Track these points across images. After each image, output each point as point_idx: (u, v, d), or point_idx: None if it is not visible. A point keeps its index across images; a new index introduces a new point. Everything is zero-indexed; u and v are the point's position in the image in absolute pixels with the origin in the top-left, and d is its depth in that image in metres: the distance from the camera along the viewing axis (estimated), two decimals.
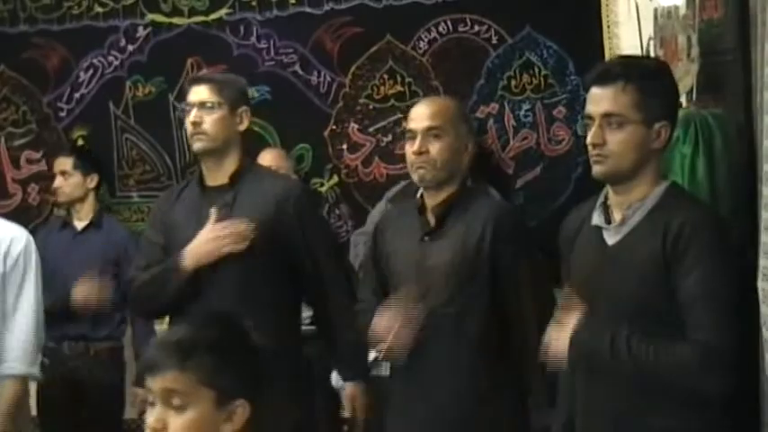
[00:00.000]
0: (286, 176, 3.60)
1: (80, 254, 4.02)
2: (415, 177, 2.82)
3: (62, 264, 3.80)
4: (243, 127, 3.04)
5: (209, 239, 2.89)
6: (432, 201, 2.81)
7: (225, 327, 1.71)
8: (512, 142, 4.09)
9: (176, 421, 1.59)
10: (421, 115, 2.82)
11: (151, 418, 1.61)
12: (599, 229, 2.26)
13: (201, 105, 2.98)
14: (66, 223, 4.19)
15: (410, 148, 2.79)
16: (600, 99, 2.23)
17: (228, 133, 3.00)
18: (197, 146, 3.01)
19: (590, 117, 2.26)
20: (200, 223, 2.93)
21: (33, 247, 3.27)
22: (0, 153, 4.56)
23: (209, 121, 2.97)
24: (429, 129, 2.77)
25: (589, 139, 2.25)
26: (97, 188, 4.23)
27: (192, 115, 2.98)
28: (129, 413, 4.18)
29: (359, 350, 3.04)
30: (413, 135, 2.79)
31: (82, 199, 4.17)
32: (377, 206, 3.91)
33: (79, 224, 4.17)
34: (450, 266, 2.73)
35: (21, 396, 3.17)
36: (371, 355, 3.14)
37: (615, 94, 2.20)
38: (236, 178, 3.00)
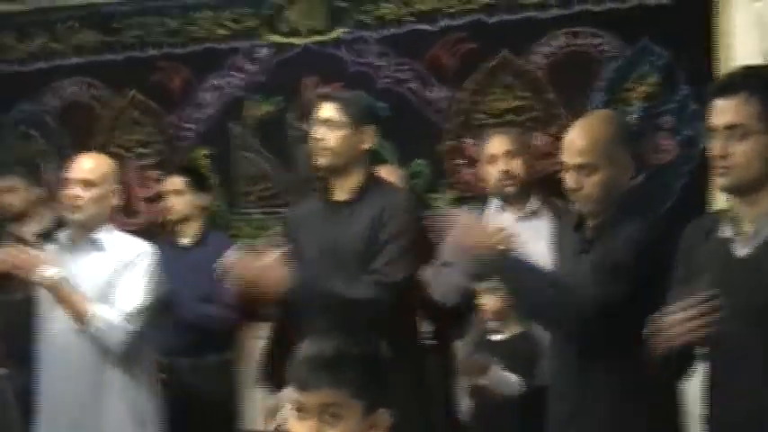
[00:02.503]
0: (401, 190, 3.61)
1: (187, 271, 4.07)
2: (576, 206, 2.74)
3: (173, 281, 3.89)
4: (367, 145, 3.07)
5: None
6: (591, 219, 2.71)
7: (364, 341, 1.77)
8: None
9: None
10: (572, 149, 2.66)
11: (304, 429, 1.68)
12: (727, 241, 2.22)
13: (326, 123, 3.03)
14: (174, 241, 4.29)
15: (568, 180, 2.67)
16: (723, 111, 2.19)
17: (352, 151, 3.04)
18: (320, 162, 3.06)
19: (713, 129, 2.22)
20: (321, 237, 2.98)
21: (152, 259, 3.40)
22: (129, 173, 4.72)
23: (333, 139, 3.01)
24: (581, 166, 2.63)
25: (713, 152, 2.21)
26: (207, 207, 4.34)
27: (317, 132, 3.04)
28: (244, 425, 4.28)
29: None
30: (565, 167, 2.67)
31: (192, 217, 4.28)
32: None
33: (185, 241, 4.28)
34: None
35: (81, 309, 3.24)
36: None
37: (738, 106, 2.16)
38: (358, 194, 3.03)
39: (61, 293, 3.23)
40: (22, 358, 3.50)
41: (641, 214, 2.66)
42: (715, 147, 2.20)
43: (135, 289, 3.31)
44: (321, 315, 2.86)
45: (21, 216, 4.34)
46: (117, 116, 4.77)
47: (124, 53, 4.73)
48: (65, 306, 3.23)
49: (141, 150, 4.75)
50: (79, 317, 3.23)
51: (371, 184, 3.08)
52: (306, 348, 1.74)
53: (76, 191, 3.31)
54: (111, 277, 3.31)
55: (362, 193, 3.03)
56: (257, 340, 4.33)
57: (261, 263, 2.96)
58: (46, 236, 3.74)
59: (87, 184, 3.32)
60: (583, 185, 2.63)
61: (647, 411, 2.55)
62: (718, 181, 2.21)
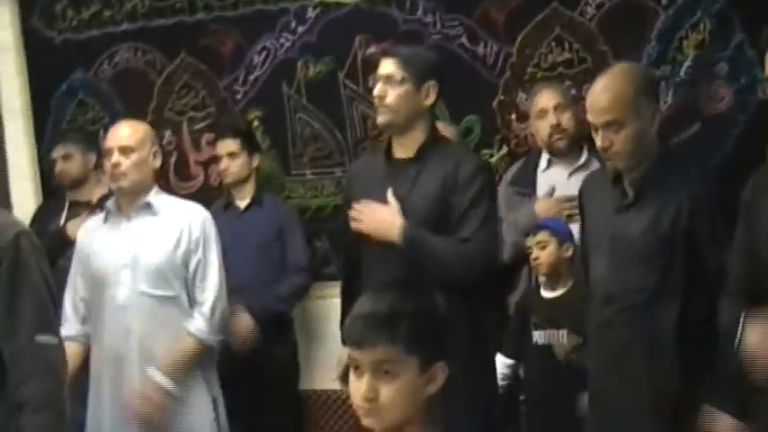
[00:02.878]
0: (469, 151, 3.60)
1: (243, 232, 4.14)
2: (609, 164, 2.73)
3: (227, 243, 3.94)
4: (430, 101, 3.02)
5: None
6: (628, 174, 2.71)
7: (419, 296, 1.77)
8: (669, 101, 3.97)
9: (387, 389, 1.68)
10: (596, 108, 2.67)
11: (361, 388, 1.69)
12: None
13: (387, 79, 2.99)
14: (230, 203, 4.33)
15: (598, 139, 2.68)
16: None
17: (412, 108, 2.98)
18: (380, 119, 3.03)
19: None
20: (382, 195, 2.97)
21: (212, 224, 3.43)
22: (182, 137, 4.76)
23: (394, 96, 2.97)
24: (608, 124, 2.64)
25: None
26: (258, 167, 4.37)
27: (377, 89, 3.01)
28: (303, 384, 4.34)
29: None
30: (594, 128, 2.68)
31: (246, 179, 4.32)
32: (499, 191, 3.67)
33: (242, 203, 4.31)
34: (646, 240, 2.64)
35: (194, 358, 3.31)
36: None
37: None
38: (422, 152, 2.99)
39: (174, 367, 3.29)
40: None
41: (689, 167, 2.64)
42: None
43: (213, 273, 3.36)
44: (384, 269, 2.88)
45: (78, 183, 4.42)
46: (169, 81, 4.80)
47: (174, 18, 4.74)
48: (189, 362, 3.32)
49: (194, 114, 4.78)
50: (199, 353, 3.32)
51: (435, 142, 3.03)
52: (360, 305, 1.75)
53: (117, 158, 3.34)
54: (178, 244, 3.33)
55: (426, 150, 2.99)
56: (318, 300, 4.38)
57: (377, 211, 2.96)
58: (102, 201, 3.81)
59: (126, 150, 3.35)
60: (613, 143, 2.63)
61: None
62: None
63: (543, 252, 3.33)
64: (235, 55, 4.68)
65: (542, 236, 3.33)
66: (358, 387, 1.70)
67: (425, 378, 1.71)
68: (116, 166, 3.33)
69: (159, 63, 4.81)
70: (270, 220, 4.24)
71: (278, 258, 4.19)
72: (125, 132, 3.41)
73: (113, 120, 4.73)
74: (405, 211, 2.94)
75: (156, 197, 3.41)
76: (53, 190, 4.80)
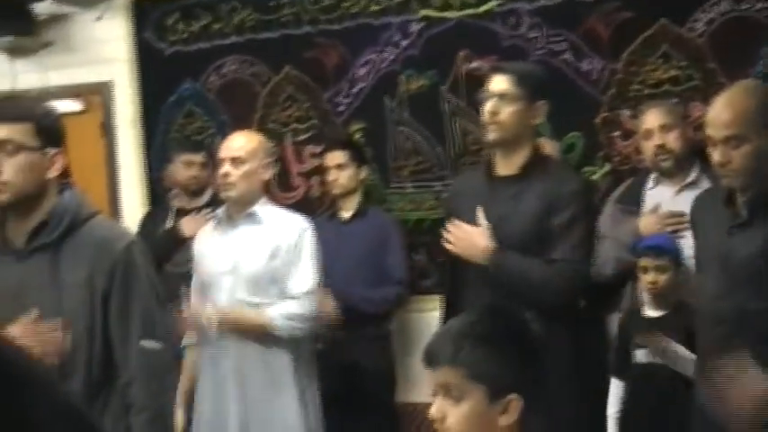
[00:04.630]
0: (571, 170, 3.57)
1: (346, 243, 4.17)
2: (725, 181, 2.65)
3: (330, 253, 3.97)
4: (538, 120, 3.02)
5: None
6: (742, 194, 2.61)
7: (499, 320, 1.73)
8: None
9: (453, 413, 1.65)
10: (717, 122, 2.58)
11: (433, 408, 1.68)
12: None
13: (500, 96, 2.99)
14: (334, 214, 4.37)
15: (716, 154, 2.59)
16: None
17: (522, 126, 2.98)
18: (490, 136, 3.01)
19: None
20: (487, 212, 2.96)
21: (312, 234, 3.47)
22: (286, 148, 4.83)
23: (506, 113, 2.97)
24: (727, 139, 2.54)
25: None
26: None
27: (490, 105, 3.00)
28: (399, 397, 4.34)
29: None
30: (712, 142, 2.59)
31: (353, 191, 4.35)
32: (605, 209, 3.65)
33: (346, 214, 4.34)
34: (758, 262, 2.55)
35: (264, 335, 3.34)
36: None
37: None
38: (525, 170, 2.98)
39: (239, 326, 3.35)
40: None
41: None
42: None
43: (306, 273, 3.40)
44: (482, 290, 2.87)
45: (200, 191, 4.48)
46: (273, 93, 4.88)
47: (281, 31, 4.83)
48: (248, 331, 3.35)
49: (297, 126, 4.85)
50: (263, 330, 3.34)
51: (538, 160, 3.03)
52: (446, 324, 1.73)
53: (227, 169, 3.41)
54: (275, 253, 3.38)
55: (529, 168, 2.98)
56: (415, 314, 4.39)
57: (467, 232, 2.97)
58: (205, 209, 3.89)
59: (237, 161, 3.41)
60: (731, 159, 2.54)
61: None
62: None
63: (662, 276, 3.27)
64: (338, 68, 4.73)
65: (663, 261, 3.27)
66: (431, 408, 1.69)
67: (498, 409, 1.65)
68: (226, 176, 3.41)
69: (265, 75, 4.89)
70: (373, 233, 4.26)
71: (378, 270, 4.21)
72: (238, 144, 3.48)
73: (219, 130, 4.87)
74: (505, 228, 2.93)
75: (262, 207, 3.47)
76: (159, 198, 4.91)
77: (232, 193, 3.42)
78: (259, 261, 3.38)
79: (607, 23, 4.19)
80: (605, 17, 4.19)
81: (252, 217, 3.44)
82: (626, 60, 4.17)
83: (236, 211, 3.46)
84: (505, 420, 1.65)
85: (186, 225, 4.19)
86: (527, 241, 2.89)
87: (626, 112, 4.15)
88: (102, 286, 2.31)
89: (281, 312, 3.34)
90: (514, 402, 1.65)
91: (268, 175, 3.52)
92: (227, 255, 3.42)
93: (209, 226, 3.59)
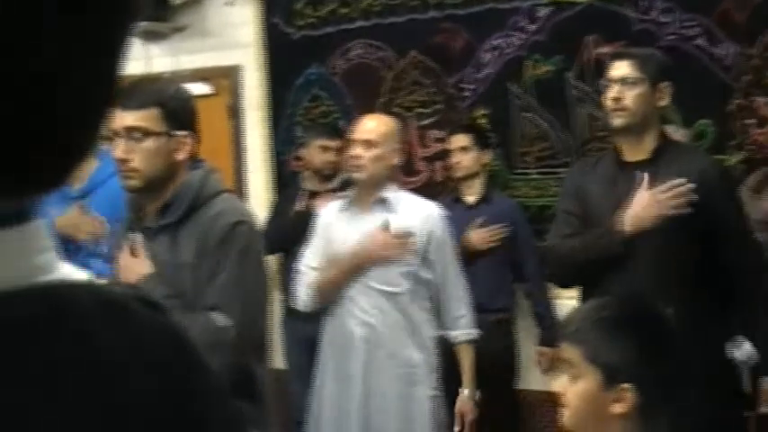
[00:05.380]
0: (704, 153, 3.49)
1: (473, 228, 4.17)
2: None
3: (457, 237, 3.95)
4: (664, 103, 2.99)
5: (651, 202, 2.85)
6: None
7: (629, 308, 1.72)
8: None
9: (571, 390, 1.68)
10: None
11: (557, 382, 1.73)
12: None
13: (623, 81, 2.96)
14: (458, 198, 4.36)
15: None
16: None
17: (648, 109, 2.96)
18: (616, 122, 2.99)
19: None
20: (616, 198, 2.93)
21: (446, 223, 3.47)
22: (410, 132, 4.84)
23: (630, 98, 2.94)
24: None
25: None
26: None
27: (613, 91, 2.98)
28: (521, 384, 4.33)
29: None
30: None
31: (476, 174, 4.34)
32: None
33: (470, 198, 4.34)
34: None
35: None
36: None
37: None
38: (656, 154, 2.95)
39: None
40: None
41: None
42: None
43: (457, 272, 3.46)
44: (620, 279, 2.83)
45: (332, 175, 4.52)
46: (399, 77, 4.90)
47: (407, 15, 4.84)
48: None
49: (421, 110, 4.86)
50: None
51: (667, 145, 2.99)
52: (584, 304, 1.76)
53: (358, 151, 3.43)
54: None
55: (661, 152, 2.95)
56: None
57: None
58: (337, 191, 3.93)
59: (368, 144, 3.43)
60: None
61: None
62: None
63: None
64: (464, 53, 4.72)
65: None
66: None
67: (611, 396, 1.64)
68: (356, 158, 3.44)
69: (390, 59, 4.92)
70: (498, 218, 4.25)
71: (502, 254, 4.21)
72: (370, 126, 3.50)
73: (344, 114, 4.91)
74: None
75: (394, 193, 3.49)
76: (284, 180, 4.99)
77: (361, 175, 3.44)
78: None
79: (743, 7, 4.06)
80: (742, 1, 4.06)
81: (383, 203, 3.46)
82: (763, 45, 4.03)
83: (365, 194, 3.47)
84: (618, 409, 1.64)
85: (320, 207, 4.23)
86: (665, 225, 2.83)
87: (761, 99, 4.02)
88: (207, 263, 2.34)
89: (473, 325, 3.51)
90: (628, 393, 1.63)
91: (397, 159, 3.54)
92: (357, 241, 3.40)
93: (336, 205, 3.61)
